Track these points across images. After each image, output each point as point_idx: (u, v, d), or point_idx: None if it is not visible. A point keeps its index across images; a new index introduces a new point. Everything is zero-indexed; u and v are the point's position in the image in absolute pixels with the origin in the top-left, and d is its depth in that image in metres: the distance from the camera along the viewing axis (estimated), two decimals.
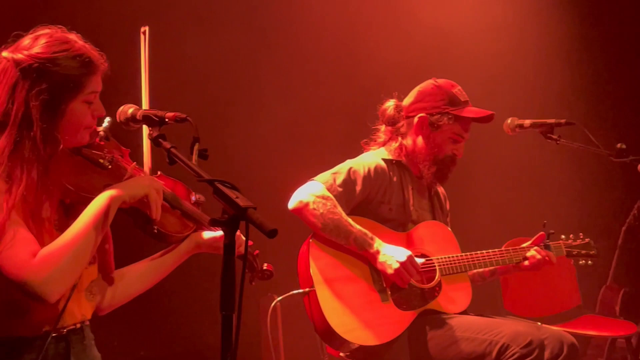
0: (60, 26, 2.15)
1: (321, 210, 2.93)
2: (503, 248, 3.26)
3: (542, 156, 5.29)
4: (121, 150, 2.30)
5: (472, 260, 3.15)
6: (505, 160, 5.00)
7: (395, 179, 3.14)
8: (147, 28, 2.34)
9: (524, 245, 3.28)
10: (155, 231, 2.18)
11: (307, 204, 2.95)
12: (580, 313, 4.46)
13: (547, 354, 2.96)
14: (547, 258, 3.22)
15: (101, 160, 2.19)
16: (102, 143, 2.22)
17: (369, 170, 3.07)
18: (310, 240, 2.99)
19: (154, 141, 2.10)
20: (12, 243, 1.97)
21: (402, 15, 5.30)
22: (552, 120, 3.30)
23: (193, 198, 2.36)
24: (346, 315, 2.90)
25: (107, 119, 2.20)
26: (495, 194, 5.30)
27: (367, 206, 3.07)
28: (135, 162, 2.29)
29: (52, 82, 2.04)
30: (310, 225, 2.98)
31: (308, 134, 4.89)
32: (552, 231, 3.32)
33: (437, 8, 5.33)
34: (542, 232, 3.29)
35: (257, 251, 2.42)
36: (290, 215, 3.02)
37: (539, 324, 3.15)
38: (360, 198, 3.06)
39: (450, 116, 3.10)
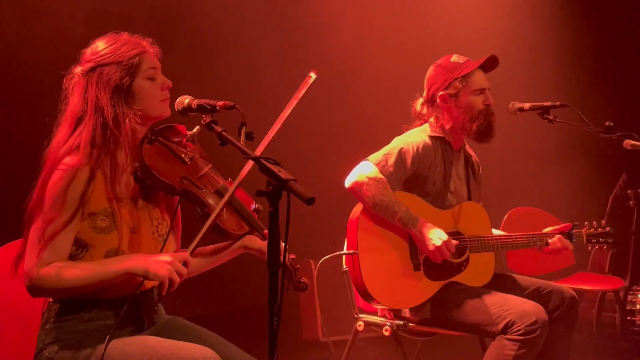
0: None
1: (373, 192, 3.07)
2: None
3: (541, 135, 5.43)
4: (202, 154, 2.38)
5: (501, 242, 3.27)
6: (510, 138, 5.04)
7: (438, 154, 3.25)
8: (314, 75, 2.25)
9: (549, 230, 3.38)
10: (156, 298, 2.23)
11: (361, 185, 3.09)
12: (574, 271, 4.61)
13: (550, 305, 3.12)
14: (566, 246, 3.33)
15: (182, 155, 2.29)
16: (188, 144, 2.33)
17: (417, 149, 3.18)
18: (362, 211, 3.15)
19: (207, 126, 2.18)
20: (46, 239, 2.05)
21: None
22: (548, 103, 3.42)
23: (253, 206, 2.38)
24: (382, 280, 3.10)
25: (197, 127, 2.29)
26: (501, 167, 5.41)
27: (415, 180, 3.20)
28: (211, 165, 2.36)
29: (112, 70, 2.16)
30: (362, 203, 3.13)
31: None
32: (576, 223, 3.40)
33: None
34: (569, 223, 3.40)
35: (299, 265, 2.41)
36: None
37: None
38: (410, 174, 3.19)
39: (459, 79, 3.22)
